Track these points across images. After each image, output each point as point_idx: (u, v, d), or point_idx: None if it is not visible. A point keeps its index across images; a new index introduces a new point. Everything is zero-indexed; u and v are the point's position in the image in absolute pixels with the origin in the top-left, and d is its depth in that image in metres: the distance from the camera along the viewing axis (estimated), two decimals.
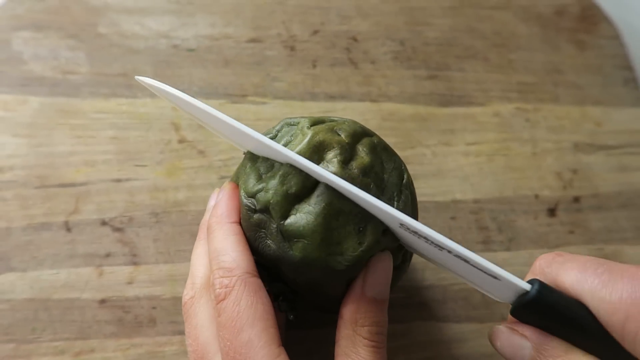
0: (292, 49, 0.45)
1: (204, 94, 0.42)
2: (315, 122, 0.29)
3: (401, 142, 0.43)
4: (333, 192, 0.26)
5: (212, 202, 0.32)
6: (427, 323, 0.38)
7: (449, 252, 0.27)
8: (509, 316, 0.27)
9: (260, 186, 0.28)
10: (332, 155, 0.28)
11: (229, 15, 0.46)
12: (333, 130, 0.29)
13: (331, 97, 0.44)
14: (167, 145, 0.40)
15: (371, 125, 0.43)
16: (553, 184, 0.43)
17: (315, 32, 0.46)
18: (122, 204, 0.38)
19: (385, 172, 0.29)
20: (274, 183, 0.27)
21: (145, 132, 0.40)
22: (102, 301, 0.36)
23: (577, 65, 0.48)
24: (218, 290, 0.27)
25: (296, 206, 0.27)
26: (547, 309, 0.25)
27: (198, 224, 0.38)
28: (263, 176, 0.28)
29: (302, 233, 0.26)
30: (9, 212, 0.37)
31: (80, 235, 0.37)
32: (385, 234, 0.27)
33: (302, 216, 0.26)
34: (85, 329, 0.35)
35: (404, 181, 0.29)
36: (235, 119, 0.42)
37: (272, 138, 0.29)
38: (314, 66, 0.45)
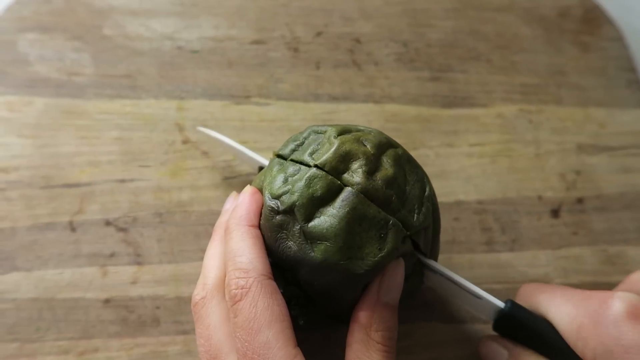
0: (296, 50, 0.45)
1: (208, 95, 0.42)
2: (342, 132, 0.30)
3: (404, 144, 0.43)
4: (358, 197, 0.27)
5: (227, 205, 0.33)
6: (431, 324, 0.37)
7: (441, 275, 0.31)
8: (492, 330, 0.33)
9: (286, 188, 0.28)
10: (357, 166, 0.28)
11: (233, 17, 0.46)
12: (359, 141, 0.29)
13: (334, 99, 0.44)
14: (171, 146, 0.40)
15: (374, 126, 0.43)
16: (556, 185, 0.43)
17: (319, 33, 0.46)
18: (126, 204, 0.38)
19: (408, 184, 0.30)
20: (300, 185, 0.28)
21: (149, 132, 0.41)
22: (106, 301, 0.36)
23: (580, 66, 0.48)
24: (234, 290, 0.27)
25: (321, 209, 0.27)
26: (519, 323, 0.31)
27: (202, 225, 0.38)
28: (289, 179, 0.29)
29: (325, 235, 0.27)
30: (14, 212, 0.37)
31: (85, 235, 0.37)
32: (404, 241, 0.28)
33: (326, 219, 0.27)
34: (89, 328, 0.35)
35: (426, 193, 0.30)
36: (238, 120, 0.42)
37: (299, 145, 0.31)
38: (318, 68, 0.45)
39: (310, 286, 0.29)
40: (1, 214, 0.37)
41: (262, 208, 0.30)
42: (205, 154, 0.40)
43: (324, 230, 0.27)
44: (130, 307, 0.36)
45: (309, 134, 0.31)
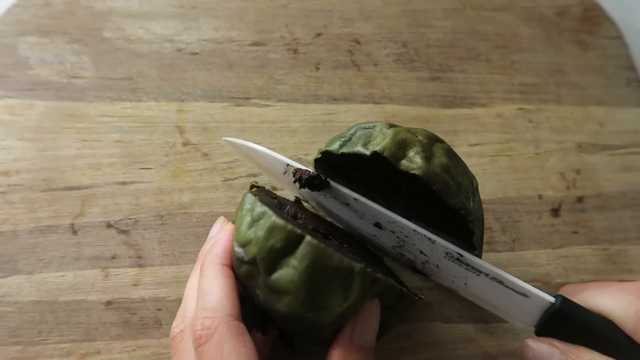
0: (295, 51, 0.45)
1: (208, 97, 0.43)
2: (392, 126, 0.30)
3: None
4: (318, 249, 0.26)
5: (213, 232, 0.32)
6: (432, 324, 0.38)
7: (486, 275, 0.31)
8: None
9: (250, 235, 0.27)
10: (414, 152, 0.29)
11: (233, 19, 0.46)
12: (411, 132, 0.30)
13: (334, 99, 0.44)
14: (172, 148, 0.40)
15: None
16: (556, 184, 0.43)
17: (318, 34, 0.46)
18: (127, 207, 0.38)
19: (458, 174, 0.30)
20: (260, 236, 0.27)
21: (150, 135, 0.41)
22: (108, 303, 0.36)
23: (579, 65, 0.49)
24: (199, 332, 0.26)
25: (282, 261, 0.26)
26: (570, 320, 0.30)
27: (203, 226, 0.38)
28: (254, 224, 0.28)
29: (288, 289, 0.26)
30: (16, 215, 0.37)
31: (86, 238, 0.37)
32: (374, 284, 0.27)
33: (288, 272, 0.26)
34: (91, 330, 0.35)
35: (474, 185, 0.30)
36: (239, 121, 0.42)
37: (346, 140, 0.31)
38: (317, 69, 0.45)
39: (286, 327, 0.29)
40: (3, 217, 0.37)
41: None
42: (205, 155, 0.41)
43: (285, 285, 0.26)
44: (132, 309, 0.36)
45: (356, 130, 0.31)
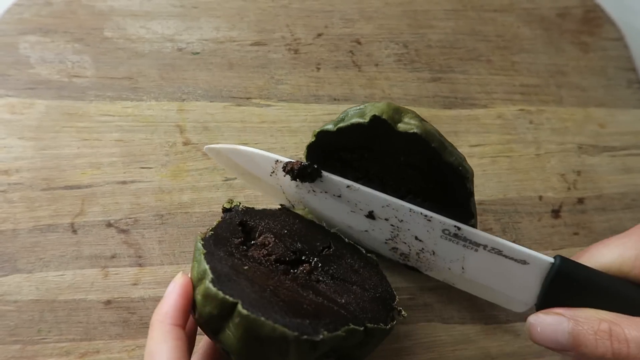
0: (296, 51, 0.45)
1: (209, 97, 0.43)
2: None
3: None
4: (248, 320, 0.25)
5: (170, 288, 0.29)
6: (432, 324, 0.37)
7: (485, 247, 0.31)
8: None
9: (196, 296, 0.27)
10: (409, 117, 0.30)
11: (234, 18, 0.46)
12: (399, 107, 0.32)
13: (335, 100, 0.44)
14: (172, 148, 0.40)
15: None
16: (557, 185, 0.43)
17: (319, 35, 0.46)
18: (127, 206, 0.38)
19: (448, 142, 0.32)
20: (199, 301, 0.27)
21: (150, 134, 0.41)
22: (108, 302, 0.36)
23: (580, 67, 0.48)
24: None
25: (224, 323, 0.26)
26: (573, 280, 0.29)
27: (203, 226, 0.38)
28: (198, 284, 0.27)
29: (231, 350, 0.27)
30: (16, 214, 0.37)
31: (86, 237, 0.37)
32: (316, 347, 0.26)
33: (229, 335, 0.26)
34: (91, 330, 0.35)
35: (462, 156, 0.32)
36: (239, 121, 0.42)
37: (340, 120, 0.32)
38: (318, 69, 0.45)
39: None
40: (3, 215, 0.37)
41: (192, 300, 0.28)
42: (206, 155, 0.40)
43: (229, 346, 0.26)
44: (132, 309, 0.36)
45: (347, 112, 0.32)
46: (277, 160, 0.34)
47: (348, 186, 0.33)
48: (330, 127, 0.32)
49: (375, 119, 0.30)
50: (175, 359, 0.26)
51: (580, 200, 0.43)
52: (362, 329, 0.28)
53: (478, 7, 0.50)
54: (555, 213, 0.42)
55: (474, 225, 0.33)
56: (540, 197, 0.43)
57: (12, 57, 0.42)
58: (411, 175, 0.33)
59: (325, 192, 0.34)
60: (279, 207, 0.36)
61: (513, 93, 0.46)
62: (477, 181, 0.42)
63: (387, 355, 0.36)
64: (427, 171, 0.32)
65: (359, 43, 0.47)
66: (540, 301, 0.31)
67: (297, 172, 0.33)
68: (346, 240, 0.35)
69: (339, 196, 0.33)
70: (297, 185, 0.34)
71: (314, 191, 0.34)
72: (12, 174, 0.38)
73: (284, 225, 0.33)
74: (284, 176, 0.33)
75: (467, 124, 0.45)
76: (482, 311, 0.38)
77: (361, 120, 0.31)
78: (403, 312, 0.31)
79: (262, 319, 0.25)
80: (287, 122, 0.43)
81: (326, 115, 0.43)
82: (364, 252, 0.35)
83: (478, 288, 0.33)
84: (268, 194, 0.36)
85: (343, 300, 0.29)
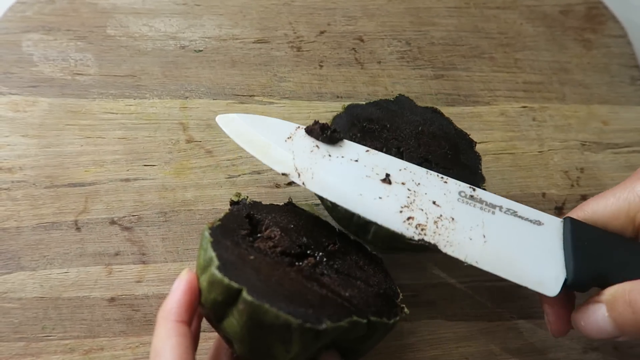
0: (299, 49, 0.45)
1: (212, 95, 0.43)
2: None
3: None
4: (252, 307, 0.25)
5: (175, 285, 0.29)
6: (435, 321, 0.38)
7: (501, 209, 0.32)
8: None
9: (202, 283, 0.28)
10: None
11: (236, 16, 0.46)
12: None
13: (338, 97, 0.44)
14: (175, 145, 0.40)
15: None
16: (560, 182, 0.43)
17: (322, 32, 0.46)
18: (130, 204, 0.38)
19: None
20: (204, 287, 0.27)
21: (153, 132, 0.41)
22: (112, 300, 0.36)
23: (583, 64, 0.48)
24: None
25: (228, 309, 0.27)
26: (586, 239, 0.31)
27: (206, 223, 0.38)
28: (204, 271, 0.27)
29: (235, 337, 0.27)
30: (19, 211, 0.37)
31: (90, 235, 0.37)
32: (318, 336, 0.26)
33: (233, 322, 0.26)
34: (95, 327, 0.35)
35: None
36: None
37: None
38: (321, 66, 0.45)
39: None
40: (6, 213, 0.37)
41: (197, 296, 0.28)
42: (209, 152, 0.41)
43: (233, 333, 0.27)
44: (136, 306, 0.36)
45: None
46: (299, 127, 0.34)
47: (367, 150, 0.33)
48: (360, 103, 0.37)
49: (400, 96, 0.39)
50: (179, 355, 0.25)
51: (584, 197, 0.43)
52: (365, 321, 0.28)
53: (481, 4, 0.50)
54: (559, 210, 0.42)
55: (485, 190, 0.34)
56: (544, 194, 0.43)
57: (15, 55, 0.42)
58: (427, 143, 0.37)
59: (342, 156, 0.33)
60: (286, 202, 0.36)
61: (516, 90, 0.46)
62: None
63: (391, 352, 0.36)
64: (441, 137, 0.37)
65: (362, 40, 0.47)
66: (569, 273, 0.30)
67: (325, 131, 0.33)
68: (351, 237, 0.35)
69: (356, 160, 0.33)
70: (312, 150, 0.33)
71: (329, 155, 0.33)
72: (16, 171, 0.38)
73: (290, 220, 0.33)
74: (304, 137, 0.34)
75: (470, 121, 0.44)
76: (486, 308, 0.38)
77: (388, 98, 0.38)
78: (405, 310, 0.31)
79: (267, 305, 0.25)
80: (290, 120, 0.42)
81: (329, 113, 0.43)
82: (369, 249, 0.35)
83: (503, 264, 0.31)
84: (274, 163, 0.33)
85: (347, 294, 0.29)
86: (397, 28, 0.47)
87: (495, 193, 0.42)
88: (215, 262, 0.27)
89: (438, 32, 0.48)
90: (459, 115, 0.44)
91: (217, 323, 0.27)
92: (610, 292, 0.29)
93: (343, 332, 0.27)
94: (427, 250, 0.31)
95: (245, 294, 0.25)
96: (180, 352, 0.26)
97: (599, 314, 0.29)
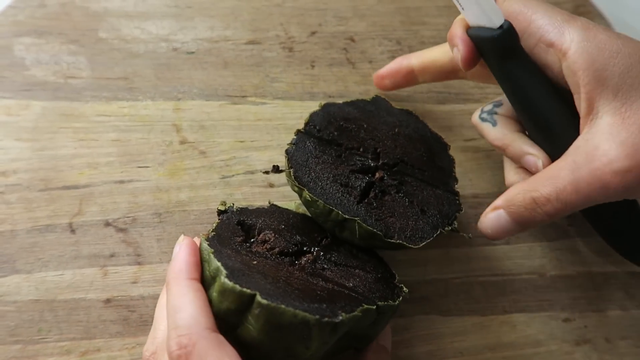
0: (291, 50, 0.46)
1: (204, 96, 0.43)
2: None
3: None
4: (268, 309, 0.26)
5: (177, 249, 0.30)
6: (429, 317, 0.38)
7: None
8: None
9: (211, 294, 0.28)
10: None
11: (228, 18, 0.46)
12: None
13: (330, 97, 0.44)
14: (169, 147, 0.41)
15: None
16: None
17: (313, 33, 0.47)
18: (125, 205, 0.38)
19: None
20: (215, 298, 0.27)
21: (147, 134, 0.41)
22: (107, 301, 0.36)
23: None
24: (177, 352, 0.25)
25: (242, 317, 0.27)
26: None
27: (201, 224, 0.39)
28: (212, 282, 0.28)
29: (252, 344, 0.27)
30: (14, 214, 0.37)
31: (85, 237, 0.37)
32: (336, 328, 0.27)
33: (249, 328, 0.27)
34: (91, 328, 0.35)
35: None
36: (235, 119, 0.42)
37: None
38: (313, 66, 0.45)
39: None
40: (1, 217, 0.37)
41: (199, 260, 0.29)
42: (202, 153, 0.41)
43: (250, 339, 0.27)
44: (132, 307, 0.36)
45: None
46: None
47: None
48: (336, 102, 0.38)
49: (377, 97, 0.40)
50: (200, 307, 0.26)
51: None
52: (374, 307, 0.29)
53: None
54: None
55: (458, 194, 0.37)
56: None
57: (7, 59, 0.42)
58: (403, 145, 0.38)
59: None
60: (270, 204, 0.36)
61: None
62: (471, 175, 0.43)
63: None
64: (417, 140, 0.38)
65: (353, 40, 0.47)
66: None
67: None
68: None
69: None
70: None
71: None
72: (10, 175, 0.39)
73: (280, 220, 0.34)
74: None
75: (461, 118, 0.45)
76: (479, 303, 0.39)
77: (365, 98, 0.39)
78: (404, 289, 0.32)
79: (283, 306, 0.25)
80: (283, 120, 0.43)
81: None
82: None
83: None
84: None
85: (351, 284, 0.30)
86: (387, 28, 0.48)
87: (486, 189, 0.43)
88: (223, 271, 0.27)
89: (428, 31, 0.48)
90: (450, 113, 0.45)
91: (230, 332, 0.27)
92: (510, 197, 0.32)
93: (357, 321, 0.28)
94: (403, 248, 0.33)
95: (259, 298, 0.25)
96: (199, 303, 0.27)
97: (504, 220, 0.32)
